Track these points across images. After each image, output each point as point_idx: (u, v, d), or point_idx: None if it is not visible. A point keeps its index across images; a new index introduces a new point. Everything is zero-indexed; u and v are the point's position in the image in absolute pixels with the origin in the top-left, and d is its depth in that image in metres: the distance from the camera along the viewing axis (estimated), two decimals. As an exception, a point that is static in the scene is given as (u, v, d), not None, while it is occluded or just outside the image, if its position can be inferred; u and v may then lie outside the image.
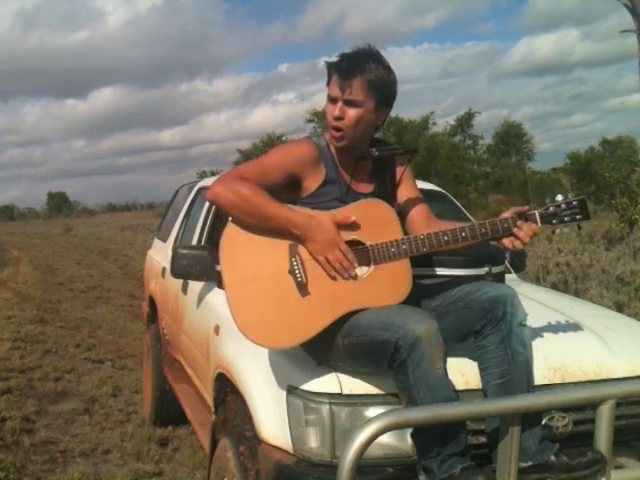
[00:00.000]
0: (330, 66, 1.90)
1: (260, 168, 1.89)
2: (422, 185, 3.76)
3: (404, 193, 2.06)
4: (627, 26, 15.19)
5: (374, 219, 1.87)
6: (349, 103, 1.85)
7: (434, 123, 33.80)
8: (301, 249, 1.83)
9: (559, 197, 1.86)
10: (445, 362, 1.73)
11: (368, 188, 1.99)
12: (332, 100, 1.88)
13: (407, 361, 1.66)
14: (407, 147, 2.09)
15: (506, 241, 1.86)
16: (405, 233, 1.91)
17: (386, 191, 2.02)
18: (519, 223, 1.84)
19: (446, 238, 1.84)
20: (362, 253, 1.84)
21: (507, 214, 1.87)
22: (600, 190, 19.33)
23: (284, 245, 1.83)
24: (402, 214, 2.02)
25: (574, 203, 1.85)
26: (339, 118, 1.86)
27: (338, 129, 1.88)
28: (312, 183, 1.91)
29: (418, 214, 2.04)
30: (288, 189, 1.91)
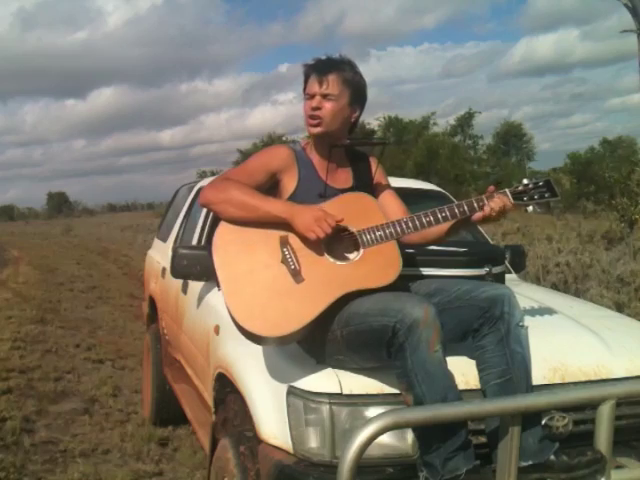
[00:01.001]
0: (308, 67, 2.05)
1: (245, 172, 2.03)
2: (422, 185, 3.78)
3: (380, 189, 2.17)
4: (627, 26, 15.23)
5: (358, 210, 1.95)
6: (326, 96, 2.00)
7: (434, 123, 33.83)
8: (291, 239, 1.89)
9: (525, 180, 2.01)
10: (443, 347, 1.73)
11: (346, 184, 2.09)
12: (310, 97, 2.02)
13: (405, 344, 1.68)
14: (378, 138, 2.18)
15: (480, 214, 1.95)
16: None
17: (364, 186, 2.11)
18: (492, 198, 1.95)
19: (428, 219, 1.93)
20: (350, 239, 1.92)
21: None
22: (600, 190, 19.32)
23: (274, 237, 1.89)
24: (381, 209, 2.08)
25: (540, 183, 1.97)
26: (317, 108, 1.99)
27: (315, 117, 2.00)
28: (290, 182, 2.02)
29: (397, 208, 2.13)
30: (271, 193, 2.01)
